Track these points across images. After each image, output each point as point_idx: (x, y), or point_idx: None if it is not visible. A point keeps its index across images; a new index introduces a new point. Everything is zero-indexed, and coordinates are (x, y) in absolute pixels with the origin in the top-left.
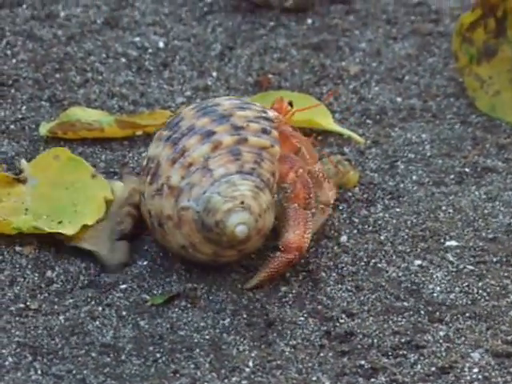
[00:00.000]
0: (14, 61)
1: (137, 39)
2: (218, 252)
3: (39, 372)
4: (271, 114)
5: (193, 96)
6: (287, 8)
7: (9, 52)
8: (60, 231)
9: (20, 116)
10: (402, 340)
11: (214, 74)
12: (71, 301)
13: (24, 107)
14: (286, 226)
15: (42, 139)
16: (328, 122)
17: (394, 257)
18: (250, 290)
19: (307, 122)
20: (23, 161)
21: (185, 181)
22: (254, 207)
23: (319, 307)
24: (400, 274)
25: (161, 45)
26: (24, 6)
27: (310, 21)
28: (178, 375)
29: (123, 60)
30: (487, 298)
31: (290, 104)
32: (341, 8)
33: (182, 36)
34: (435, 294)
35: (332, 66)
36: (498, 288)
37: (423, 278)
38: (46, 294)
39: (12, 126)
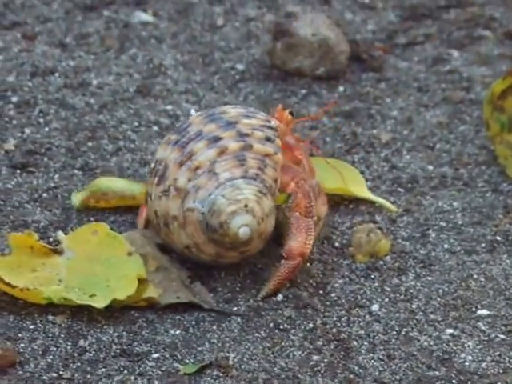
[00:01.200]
0: (46, 129)
1: (169, 107)
2: (220, 253)
3: None
4: (275, 123)
5: None
6: (319, 76)
7: (41, 120)
8: (90, 304)
9: (53, 184)
10: None
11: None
12: (104, 370)
13: (56, 176)
14: (289, 234)
15: (74, 208)
16: (361, 189)
17: (425, 326)
18: (263, 300)
19: (340, 189)
20: (60, 233)
21: (191, 183)
22: (257, 211)
23: (351, 376)
24: (432, 343)
25: (193, 113)
26: (56, 75)
27: (341, 89)
28: None
29: (155, 128)
30: None
31: (291, 113)
32: (372, 76)
33: (214, 104)
34: (467, 363)
35: (363, 133)
36: None
37: (455, 347)
38: (79, 364)
39: (44, 195)
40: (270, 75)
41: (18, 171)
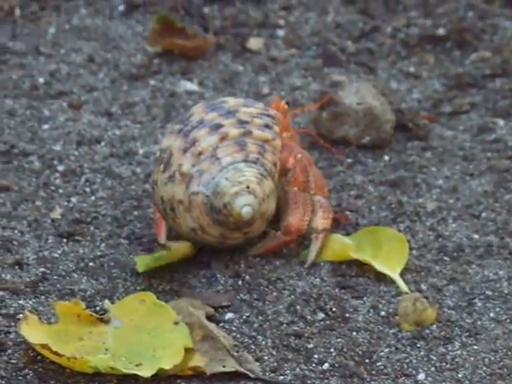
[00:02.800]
0: (92, 198)
1: None
2: (225, 234)
3: None
4: (272, 111)
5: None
6: (364, 144)
7: (88, 189)
8: (136, 373)
9: (99, 253)
10: None
11: None
12: None
13: (103, 244)
14: (287, 209)
15: (120, 277)
16: (390, 262)
17: None
18: (253, 257)
19: (365, 261)
20: (107, 301)
21: (195, 168)
22: (258, 192)
23: None
24: None
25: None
26: (103, 144)
27: (386, 157)
28: None
29: None
30: None
31: (287, 103)
32: (417, 145)
33: None
34: None
35: (409, 202)
36: None
37: None
38: None
39: (91, 264)
40: (315, 144)
41: (65, 240)
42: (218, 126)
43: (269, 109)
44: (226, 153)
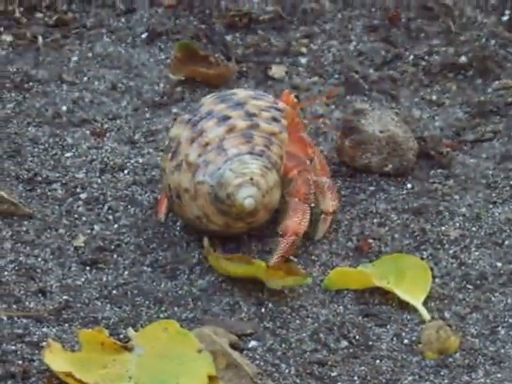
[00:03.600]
0: (115, 226)
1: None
2: (228, 223)
3: None
4: (281, 105)
5: None
6: (387, 172)
7: (111, 217)
8: None
9: (122, 281)
10: None
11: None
12: None
13: (126, 272)
14: (286, 215)
15: (143, 305)
16: (406, 289)
17: None
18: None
19: (387, 288)
20: (131, 329)
21: (201, 158)
22: (262, 184)
23: None
24: None
25: None
26: (126, 171)
27: (409, 185)
28: None
29: None
30: None
31: (296, 97)
32: (440, 173)
33: (282, 200)
34: None
35: (432, 230)
36: None
37: None
38: None
39: (114, 292)
40: (338, 172)
41: (88, 268)
42: (226, 118)
43: (278, 102)
44: (232, 144)
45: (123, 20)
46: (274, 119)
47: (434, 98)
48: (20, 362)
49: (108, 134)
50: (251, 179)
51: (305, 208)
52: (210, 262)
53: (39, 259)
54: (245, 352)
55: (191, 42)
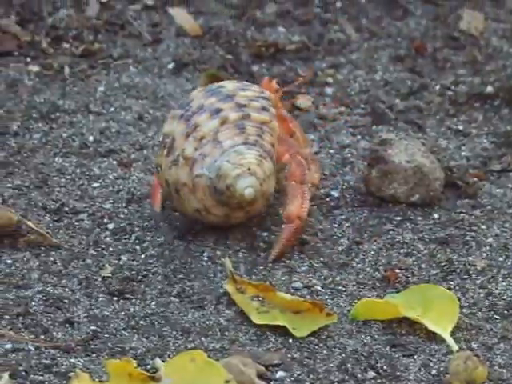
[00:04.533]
0: (143, 256)
1: (265, 234)
2: (228, 214)
3: None
4: (268, 94)
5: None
6: (413, 202)
7: (138, 247)
8: None
9: (149, 311)
10: None
11: (342, 269)
12: None
13: (153, 303)
14: (287, 201)
15: (171, 335)
16: (433, 320)
17: None
18: (273, 262)
19: (416, 319)
20: (158, 360)
21: (198, 152)
22: (259, 173)
23: None
24: None
25: None
26: (149, 201)
27: (436, 215)
28: None
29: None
30: None
31: (278, 83)
32: (467, 202)
33: (310, 231)
34: None
35: (459, 260)
36: None
37: None
38: None
39: (142, 322)
40: (364, 202)
41: (115, 298)
42: (218, 111)
43: (264, 91)
44: (227, 136)
45: (150, 50)
46: (264, 108)
47: (461, 127)
48: None
49: (135, 164)
50: (249, 169)
51: (303, 189)
52: (236, 302)
53: (67, 289)
54: (272, 383)
55: (218, 71)
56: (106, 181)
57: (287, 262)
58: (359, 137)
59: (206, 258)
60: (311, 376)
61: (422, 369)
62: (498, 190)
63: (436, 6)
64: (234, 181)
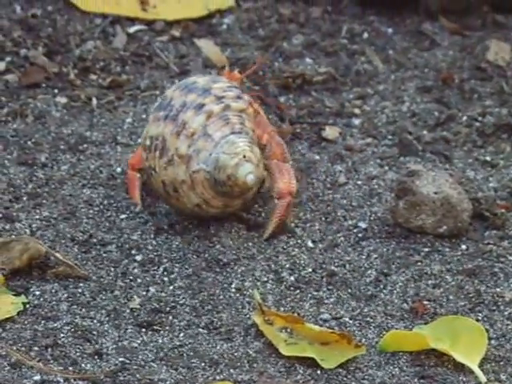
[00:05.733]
0: (171, 287)
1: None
2: (227, 203)
3: None
4: (235, 83)
5: None
6: (441, 234)
7: (166, 279)
8: None
9: (178, 343)
10: None
11: (370, 300)
12: None
13: (182, 334)
14: (274, 179)
15: (199, 367)
16: (469, 351)
17: None
18: (267, 240)
19: (444, 351)
20: None
21: (191, 148)
22: (253, 159)
23: None
24: None
25: (309, 270)
26: (179, 233)
27: (464, 246)
28: None
29: (272, 277)
30: None
31: (239, 72)
32: (495, 234)
33: (338, 262)
34: None
35: (487, 292)
36: None
37: None
38: None
39: (170, 353)
40: (392, 233)
41: (144, 330)
42: (201, 106)
43: (231, 81)
44: (215, 129)
45: (177, 82)
46: (239, 97)
47: (488, 158)
48: None
49: None
50: (244, 156)
51: (287, 166)
52: (264, 333)
53: (95, 321)
54: None
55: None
56: (134, 212)
57: (315, 293)
58: (387, 168)
59: (234, 290)
60: None
61: None
62: None
63: (463, 36)
64: (234, 170)
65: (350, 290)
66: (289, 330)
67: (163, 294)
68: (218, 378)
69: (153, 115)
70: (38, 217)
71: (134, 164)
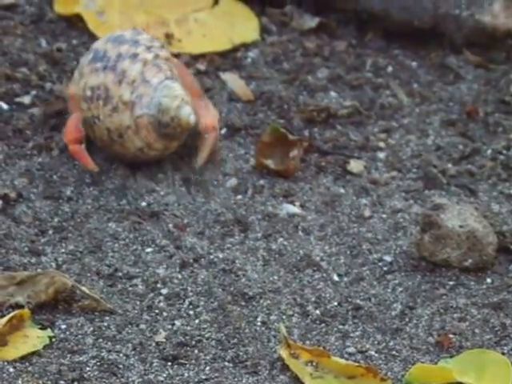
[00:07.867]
0: (196, 321)
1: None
2: (167, 145)
3: None
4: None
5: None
6: (466, 267)
7: (191, 312)
8: None
9: (204, 377)
10: None
11: (395, 333)
12: None
13: (207, 368)
14: (198, 116)
15: None
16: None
17: None
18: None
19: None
20: None
21: (134, 94)
22: (189, 101)
23: None
24: None
25: (335, 303)
26: (205, 266)
27: (489, 280)
28: None
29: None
30: None
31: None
32: None
33: (363, 296)
34: None
35: None
36: None
37: None
38: None
39: None
40: (417, 267)
41: (170, 363)
42: (136, 55)
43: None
44: (152, 75)
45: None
46: (162, 46)
47: None
48: None
49: (188, 229)
50: (183, 99)
51: (206, 102)
52: (290, 367)
53: (121, 355)
54: None
55: (280, 126)
56: (159, 246)
57: (340, 326)
58: (412, 201)
59: (259, 323)
60: None
61: None
62: None
63: (487, 70)
64: (177, 111)
65: (375, 324)
66: (314, 364)
67: (189, 328)
68: None
69: (89, 67)
70: (63, 250)
71: (72, 139)
